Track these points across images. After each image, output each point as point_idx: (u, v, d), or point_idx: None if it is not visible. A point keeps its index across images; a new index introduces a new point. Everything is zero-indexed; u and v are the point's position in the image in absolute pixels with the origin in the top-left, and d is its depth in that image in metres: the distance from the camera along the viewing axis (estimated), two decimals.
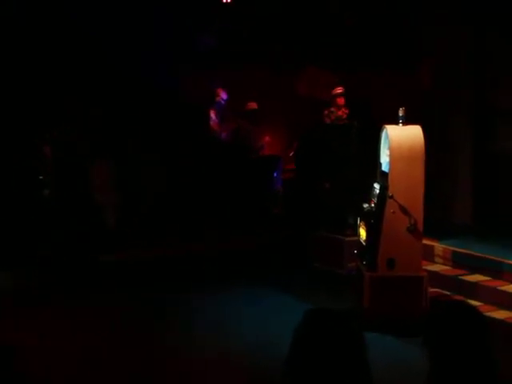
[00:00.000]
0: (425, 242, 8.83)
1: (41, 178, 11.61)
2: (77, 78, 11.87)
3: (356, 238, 9.02)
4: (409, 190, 8.09)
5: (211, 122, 12.44)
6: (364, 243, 8.51)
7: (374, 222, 8.24)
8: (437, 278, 9.30)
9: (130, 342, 7.87)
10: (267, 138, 12.66)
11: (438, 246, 10.09)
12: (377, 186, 8.49)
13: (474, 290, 9.00)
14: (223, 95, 12.52)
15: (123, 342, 7.83)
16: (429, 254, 9.83)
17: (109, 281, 10.07)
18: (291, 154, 12.53)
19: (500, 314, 8.12)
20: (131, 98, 12.07)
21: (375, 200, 8.40)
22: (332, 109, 11.75)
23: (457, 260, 9.79)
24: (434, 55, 11.95)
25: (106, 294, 9.49)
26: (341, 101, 11.74)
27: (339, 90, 11.81)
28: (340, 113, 11.74)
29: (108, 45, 11.65)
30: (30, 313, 8.60)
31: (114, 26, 11.49)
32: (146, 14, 11.60)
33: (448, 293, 9.22)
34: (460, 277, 9.42)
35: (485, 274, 9.25)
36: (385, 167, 8.36)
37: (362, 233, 8.57)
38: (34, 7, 11.01)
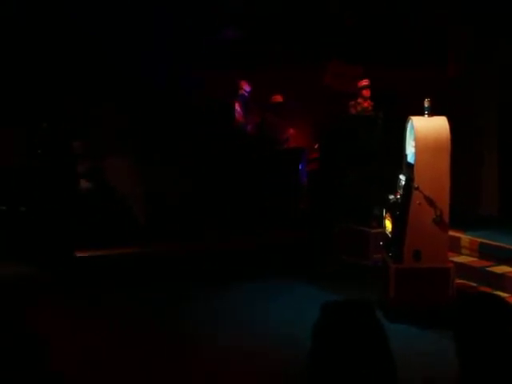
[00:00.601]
0: (451, 233, 8.78)
1: None
2: (102, 79, 11.89)
3: (382, 230, 9.03)
4: (434, 181, 8.07)
5: (236, 114, 12.43)
6: (390, 235, 8.50)
7: (400, 214, 8.23)
8: (463, 270, 9.28)
9: (144, 336, 7.93)
10: (291, 131, 12.63)
11: (465, 238, 10.06)
12: (402, 177, 8.47)
13: (500, 281, 8.96)
14: (246, 87, 12.50)
15: (133, 335, 7.91)
16: (455, 246, 9.79)
17: (138, 270, 10.12)
18: (316, 146, 12.50)
19: None
20: (159, 97, 12.08)
21: (401, 191, 8.38)
22: (358, 100, 11.76)
23: (483, 251, 9.74)
24: (460, 47, 11.92)
25: (119, 289, 9.57)
26: (367, 93, 11.76)
27: (365, 82, 11.83)
28: (366, 104, 11.73)
29: (135, 48, 11.63)
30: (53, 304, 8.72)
31: (141, 28, 11.51)
32: (172, 17, 11.59)
33: (474, 284, 9.19)
34: (487, 268, 9.38)
35: (511, 265, 9.18)
36: (410, 158, 8.34)
37: (388, 224, 8.56)
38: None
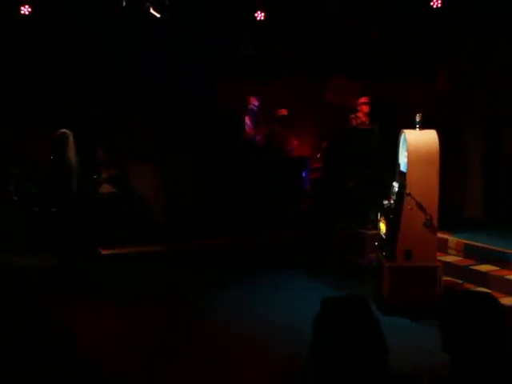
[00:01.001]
0: (439, 235, 8.81)
1: (95, 177, 11.74)
2: (129, 92, 11.94)
3: (377, 232, 9.06)
4: (425, 188, 8.11)
5: (246, 128, 12.51)
6: (384, 236, 8.54)
7: (393, 217, 8.28)
8: (450, 268, 9.26)
9: (171, 321, 8.02)
10: (295, 142, 12.70)
11: (452, 239, 10.06)
12: (396, 184, 8.51)
13: (483, 278, 8.96)
14: (255, 102, 12.59)
15: (153, 324, 7.94)
16: (443, 246, 9.78)
17: (159, 267, 10.20)
18: (319, 156, 12.57)
19: (507, 301, 8.09)
20: (175, 107, 12.15)
21: (394, 197, 8.41)
22: (358, 114, 11.81)
23: (468, 252, 9.76)
24: (450, 62, 11.95)
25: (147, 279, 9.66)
26: (366, 108, 11.78)
27: (364, 99, 11.87)
28: (364, 118, 11.78)
29: (161, 61, 11.68)
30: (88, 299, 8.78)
31: (156, 37, 11.54)
32: (186, 30, 11.63)
33: (460, 281, 9.18)
34: (471, 267, 9.38)
35: (494, 265, 9.20)
36: (403, 167, 8.39)
37: (382, 227, 8.60)
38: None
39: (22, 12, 10.71)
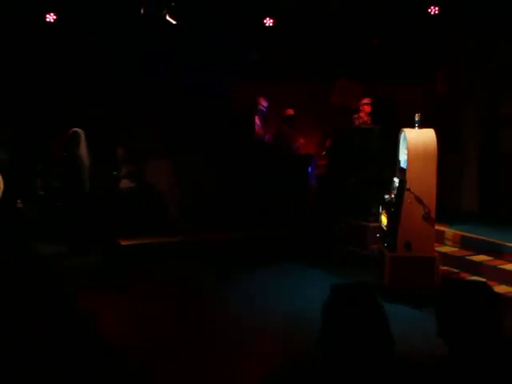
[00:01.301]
0: (437, 227, 8.85)
1: (114, 173, 11.80)
2: (144, 94, 11.97)
3: (378, 224, 9.10)
4: (423, 183, 8.14)
5: (256, 127, 12.53)
6: (385, 228, 8.58)
7: (394, 211, 8.31)
8: (447, 258, 9.32)
9: (186, 307, 8.04)
10: (302, 140, 12.71)
11: (448, 231, 10.10)
12: (396, 180, 8.55)
13: (478, 268, 9.00)
14: (264, 103, 12.59)
15: (181, 307, 8.02)
16: (440, 238, 9.84)
17: (174, 257, 10.19)
18: (323, 153, 12.59)
19: (501, 289, 8.13)
20: (191, 108, 12.18)
21: (395, 192, 8.45)
22: (360, 114, 11.83)
23: (464, 243, 9.79)
24: (448, 63, 11.93)
25: (166, 269, 9.70)
26: (368, 108, 11.81)
27: (367, 100, 11.89)
28: (366, 118, 11.79)
29: (172, 61, 11.70)
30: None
31: (171, 43, 11.57)
32: (199, 37, 11.66)
33: (456, 270, 9.22)
34: (467, 257, 9.41)
35: (488, 255, 9.24)
36: (403, 164, 8.42)
37: (384, 220, 8.64)
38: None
39: (48, 20, 10.73)
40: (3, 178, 10.95)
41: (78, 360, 5.69)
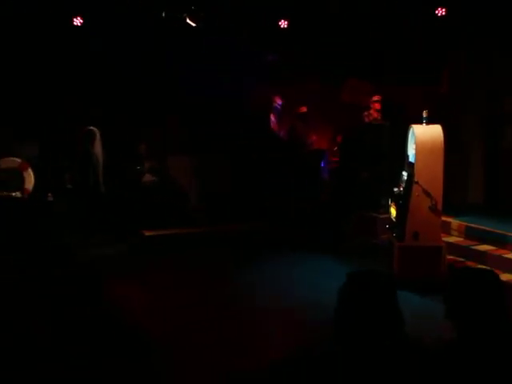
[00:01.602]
0: (443, 218, 8.80)
1: (138, 168, 11.84)
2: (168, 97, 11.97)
3: (387, 216, 9.05)
4: (431, 176, 8.10)
5: (271, 124, 12.51)
6: (394, 219, 8.55)
7: (403, 203, 8.28)
8: (453, 248, 9.25)
9: (211, 290, 8.12)
10: (314, 137, 12.67)
11: (454, 222, 10.03)
12: (405, 173, 8.51)
13: (482, 257, 8.94)
14: (278, 101, 12.57)
15: (206, 289, 8.12)
16: (446, 228, 9.77)
17: (194, 246, 10.21)
18: (335, 149, 12.55)
19: (504, 277, 8.06)
20: (209, 108, 12.17)
21: (403, 185, 8.42)
22: (370, 111, 11.76)
23: (469, 233, 9.73)
24: (449, 65, 11.86)
25: (188, 258, 9.71)
26: (378, 106, 11.72)
27: (376, 97, 11.81)
28: (376, 115, 11.72)
29: (192, 64, 11.70)
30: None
31: (196, 49, 11.57)
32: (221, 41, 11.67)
33: (462, 259, 9.16)
34: (472, 247, 9.35)
35: (492, 245, 9.17)
36: (411, 158, 8.37)
37: (393, 211, 8.60)
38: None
39: (75, 23, 10.74)
40: (34, 172, 11.03)
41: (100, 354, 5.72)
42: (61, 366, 5.26)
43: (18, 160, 11.07)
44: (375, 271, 2.73)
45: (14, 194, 10.89)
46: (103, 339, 5.77)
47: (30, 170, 11.07)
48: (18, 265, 8.70)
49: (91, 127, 10.59)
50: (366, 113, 11.79)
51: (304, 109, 12.50)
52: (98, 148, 10.60)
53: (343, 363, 2.54)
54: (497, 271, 7.76)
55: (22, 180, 11.01)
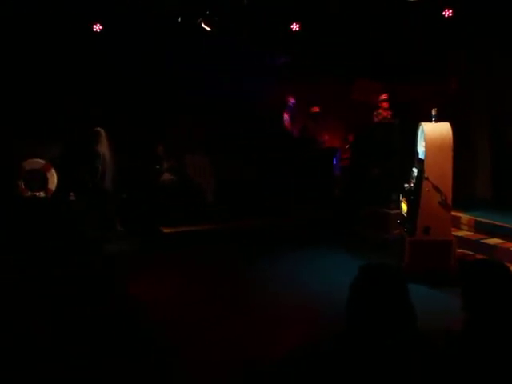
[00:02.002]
0: (453, 213, 8.74)
1: (157, 167, 11.86)
2: (181, 97, 11.96)
3: (398, 211, 8.99)
4: (440, 172, 8.04)
5: (285, 122, 12.49)
6: (405, 215, 8.48)
7: (414, 198, 8.22)
8: (463, 242, 9.19)
9: (226, 284, 8.12)
10: (326, 137, 12.64)
11: (464, 217, 9.98)
12: (415, 170, 8.45)
13: (492, 250, 8.87)
14: (292, 100, 12.56)
15: (221, 284, 8.13)
16: (456, 223, 9.72)
17: (211, 242, 10.23)
18: (347, 147, 12.51)
19: None
20: (223, 107, 12.16)
21: (414, 181, 8.36)
22: (379, 110, 11.71)
23: (478, 227, 9.67)
24: (457, 64, 11.77)
25: (208, 252, 9.75)
26: (386, 104, 11.70)
27: (384, 96, 11.78)
28: (385, 114, 11.67)
29: (207, 67, 11.70)
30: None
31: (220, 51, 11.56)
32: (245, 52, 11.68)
33: (471, 253, 9.10)
34: (481, 240, 9.29)
35: (501, 238, 9.11)
36: (421, 155, 8.31)
37: (404, 207, 8.54)
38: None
39: (95, 29, 10.76)
40: (56, 173, 11.09)
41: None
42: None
43: (42, 161, 11.14)
44: (386, 264, 2.71)
45: (37, 194, 10.97)
46: (114, 335, 5.76)
47: (52, 171, 11.14)
48: (34, 263, 8.73)
49: (98, 128, 10.68)
50: (375, 112, 11.76)
51: (316, 109, 12.49)
52: (103, 147, 10.68)
53: (348, 360, 2.52)
54: (506, 264, 7.71)
55: (45, 180, 11.07)
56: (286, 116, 12.48)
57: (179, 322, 6.67)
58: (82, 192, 10.78)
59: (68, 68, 11.27)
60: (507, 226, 9.22)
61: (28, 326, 6.27)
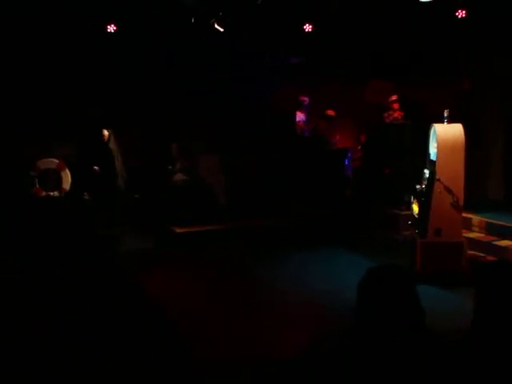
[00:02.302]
0: (464, 214, 8.71)
1: (170, 167, 11.90)
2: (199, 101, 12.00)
3: (410, 212, 8.97)
4: (452, 174, 8.02)
5: (300, 122, 12.46)
6: (416, 216, 8.46)
7: (425, 200, 8.20)
8: (474, 243, 9.18)
9: (233, 284, 8.15)
10: (338, 137, 12.63)
11: (475, 218, 9.95)
12: (426, 171, 8.43)
13: (503, 252, 8.85)
14: (305, 99, 12.54)
15: (229, 283, 8.15)
16: (468, 224, 9.70)
17: (223, 242, 10.27)
18: (359, 148, 12.48)
19: None
20: (238, 109, 12.17)
21: (425, 182, 8.33)
22: (390, 112, 11.67)
23: (490, 229, 9.65)
24: (471, 66, 11.72)
25: (218, 251, 9.78)
26: (396, 105, 11.66)
27: (394, 97, 11.74)
28: (396, 115, 11.63)
29: (222, 69, 11.72)
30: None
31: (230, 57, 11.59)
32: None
33: (483, 255, 9.07)
34: (493, 242, 9.27)
35: None
36: (433, 156, 8.28)
37: (415, 208, 8.52)
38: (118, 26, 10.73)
39: (109, 30, 10.79)
40: (70, 172, 11.16)
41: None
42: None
43: (56, 161, 11.21)
44: (394, 265, 2.70)
45: (52, 193, 11.04)
46: (115, 334, 5.78)
47: (67, 170, 11.21)
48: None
49: (107, 128, 10.89)
50: (386, 114, 11.71)
51: (331, 112, 12.41)
52: (113, 145, 11.06)
53: (353, 359, 2.52)
54: None
55: (59, 180, 11.14)
56: (300, 115, 12.45)
57: (185, 320, 6.71)
58: (96, 191, 10.85)
59: (79, 69, 11.31)
60: None
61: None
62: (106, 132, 11.11)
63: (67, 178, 11.20)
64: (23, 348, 5.69)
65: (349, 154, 12.55)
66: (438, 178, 8.01)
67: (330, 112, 12.38)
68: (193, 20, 10.49)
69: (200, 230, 10.85)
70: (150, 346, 5.61)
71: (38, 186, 11.02)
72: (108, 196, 10.68)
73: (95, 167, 11.03)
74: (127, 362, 5.28)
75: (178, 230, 10.82)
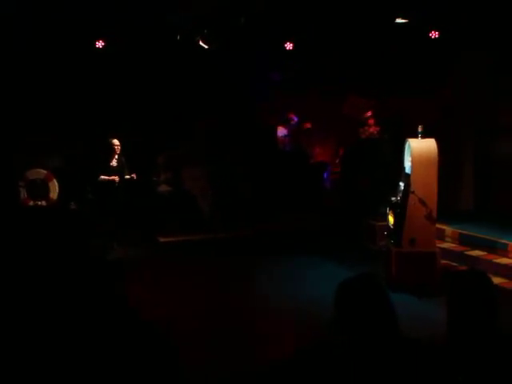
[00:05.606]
0: (438, 225, 8.75)
1: (154, 179, 11.84)
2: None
3: (385, 223, 8.98)
4: (426, 187, 8.05)
5: (281, 138, 12.45)
6: (392, 227, 8.48)
7: (400, 211, 8.23)
8: (447, 253, 9.23)
9: (225, 290, 8.18)
10: (317, 150, 12.65)
11: (448, 229, 10.02)
12: (401, 184, 8.46)
13: (474, 262, 8.90)
14: (294, 118, 12.54)
15: (221, 289, 8.17)
16: (441, 235, 9.75)
17: (207, 251, 10.18)
18: (337, 161, 12.51)
19: (495, 280, 7.97)
20: (223, 123, 12.17)
21: (400, 194, 8.36)
22: (366, 127, 11.69)
23: (462, 239, 9.72)
24: (449, 82, 11.80)
25: (206, 260, 9.71)
26: (371, 121, 11.66)
27: (369, 113, 11.75)
28: (371, 130, 11.65)
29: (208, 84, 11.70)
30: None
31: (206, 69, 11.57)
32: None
33: (455, 264, 9.13)
34: (464, 252, 9.34)
35: (483, 250, 9.17)
36: (408, 170, 8.32)
37: (391, 219, 8.53)
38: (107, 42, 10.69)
39: (97, 46, 10.72)
40: (58, 183, 11.06)
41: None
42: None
43: (44, 171, 11.11)
44: (364, 275, 2.70)
45: (39, 202, 10.94)
46: (112, 337, 5.71)
47: (54, 181, 11.13)
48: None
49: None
50: (361, 129, 11.70)
51: (308, 125, 12.48)
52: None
53: (340, 362, 2.53)
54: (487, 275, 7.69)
55: (47, 190, 11.04)
56: (283, 130, 12.46)
57: (175, 329, 6.60)
58: (83, 201, 10.74)
59: (69, 80, 11.22)
60: (489, 238, 9.26)
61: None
62: (117, 142, 10.53)
63: (55, 189, 11.11)
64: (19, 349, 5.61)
65: (328, 168, 12.58)
66: (412, 190, 8.04)
67: (307, 125, 12.41)
68: (178, 37, 10.47)
69: (184, 239, 10.78)
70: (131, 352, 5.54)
71: (25, 195, 10.91)
72: (110, 206, 10.50)
73: (133, 175, 10.61)
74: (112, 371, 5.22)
75: (162, 239, 10.75)
